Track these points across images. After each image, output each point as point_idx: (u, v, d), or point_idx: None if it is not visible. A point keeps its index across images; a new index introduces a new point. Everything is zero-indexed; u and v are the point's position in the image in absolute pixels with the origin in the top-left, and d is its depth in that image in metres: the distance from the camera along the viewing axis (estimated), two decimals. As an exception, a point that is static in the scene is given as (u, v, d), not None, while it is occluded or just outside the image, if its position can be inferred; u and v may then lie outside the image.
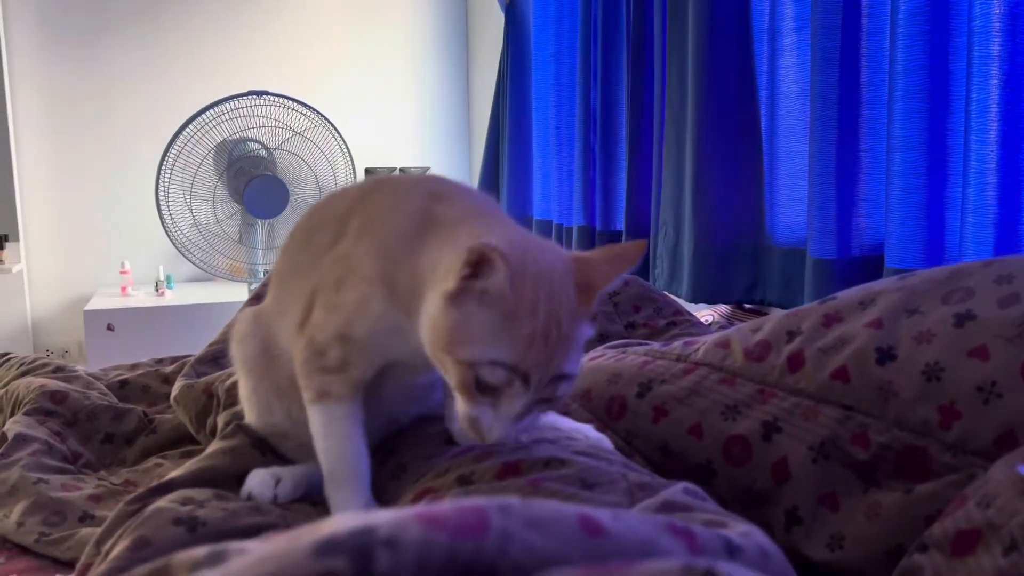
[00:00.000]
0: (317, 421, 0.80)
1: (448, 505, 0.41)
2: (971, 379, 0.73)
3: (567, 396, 0.75)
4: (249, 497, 0.85)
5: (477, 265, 0.64)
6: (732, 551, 0.51)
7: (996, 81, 1.27)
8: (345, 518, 0.40)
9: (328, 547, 0.37)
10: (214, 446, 0.95)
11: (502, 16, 3.17)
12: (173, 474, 0.89)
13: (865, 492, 0.76)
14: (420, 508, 0.40)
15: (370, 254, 0.76)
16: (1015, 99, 1.26)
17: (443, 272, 0.69)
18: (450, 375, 0.69)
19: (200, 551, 0.43)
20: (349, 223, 0.79)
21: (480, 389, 0.67)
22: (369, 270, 0.75)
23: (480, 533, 0.40)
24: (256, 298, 1.38)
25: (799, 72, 1.72)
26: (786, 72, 1.77)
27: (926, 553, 0.64)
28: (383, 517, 0.39)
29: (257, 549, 0.38)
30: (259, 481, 0.86)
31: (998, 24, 1.26)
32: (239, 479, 0.88)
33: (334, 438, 0.79)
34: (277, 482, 0.86)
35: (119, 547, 0.73)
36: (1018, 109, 1.26)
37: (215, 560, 0.41)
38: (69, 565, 0.93)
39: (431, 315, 0.68)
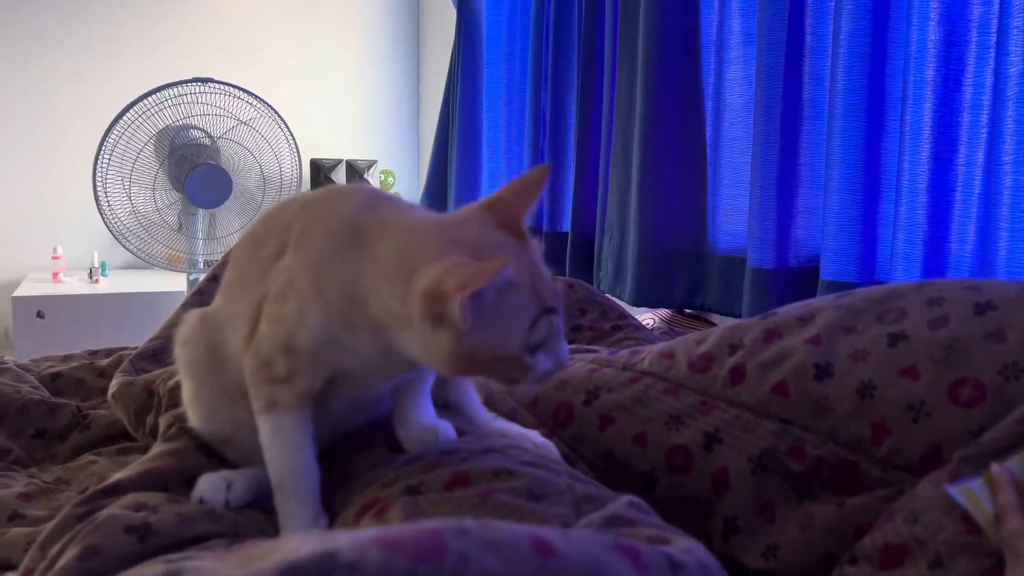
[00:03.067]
0: (266, 431, 0.79)
1: (407, 528, 0.42)
2: (902, 398, 0.76)
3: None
4: (201, 501, 0.84)
5: (476, 296, 0.65)
6: (675, 568, 0.53)
7: (929, 105, 1.32)
8: (303, 540, 0.40)
9: (290, 573, 0.37)
10: (158, 448, 0.93)
11: (454, 12, 3.16)
12: (119, 475, 0.87)
13: (799, 503, 0.79)
14: (379, 531, 0.41)
15: (304, 266, 0.76)
16: (947, 123, 1.31)
17: (410, 307, 0.68)
18: (504, 372, 0.71)
19: (156, 569, 0.43)
20: (291, 233, 0.79)
21: (533, 353, 0.71)
22: (304, 282, 0.76)
23: (439, 556, 0.40)
24: (199, 293, 1.36)
25: (744, 86, 1.77)
26: (731, 85, 1.81)
27: (856, 565, 0.67)
28: (342, 540, 0.40)
29: (216, 570, 0.38)
30: (211, 485, 0.85)
31: (933, 51, 1.31)
32: (187, 481, 0.87)
33: (283, 447, 0.79)
34: (229, 486, 0.85)
35: (67, 555, 0.71)
36: (949, 133, 1.31)
37: None
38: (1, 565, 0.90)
39: (454, 351, 0.68)
